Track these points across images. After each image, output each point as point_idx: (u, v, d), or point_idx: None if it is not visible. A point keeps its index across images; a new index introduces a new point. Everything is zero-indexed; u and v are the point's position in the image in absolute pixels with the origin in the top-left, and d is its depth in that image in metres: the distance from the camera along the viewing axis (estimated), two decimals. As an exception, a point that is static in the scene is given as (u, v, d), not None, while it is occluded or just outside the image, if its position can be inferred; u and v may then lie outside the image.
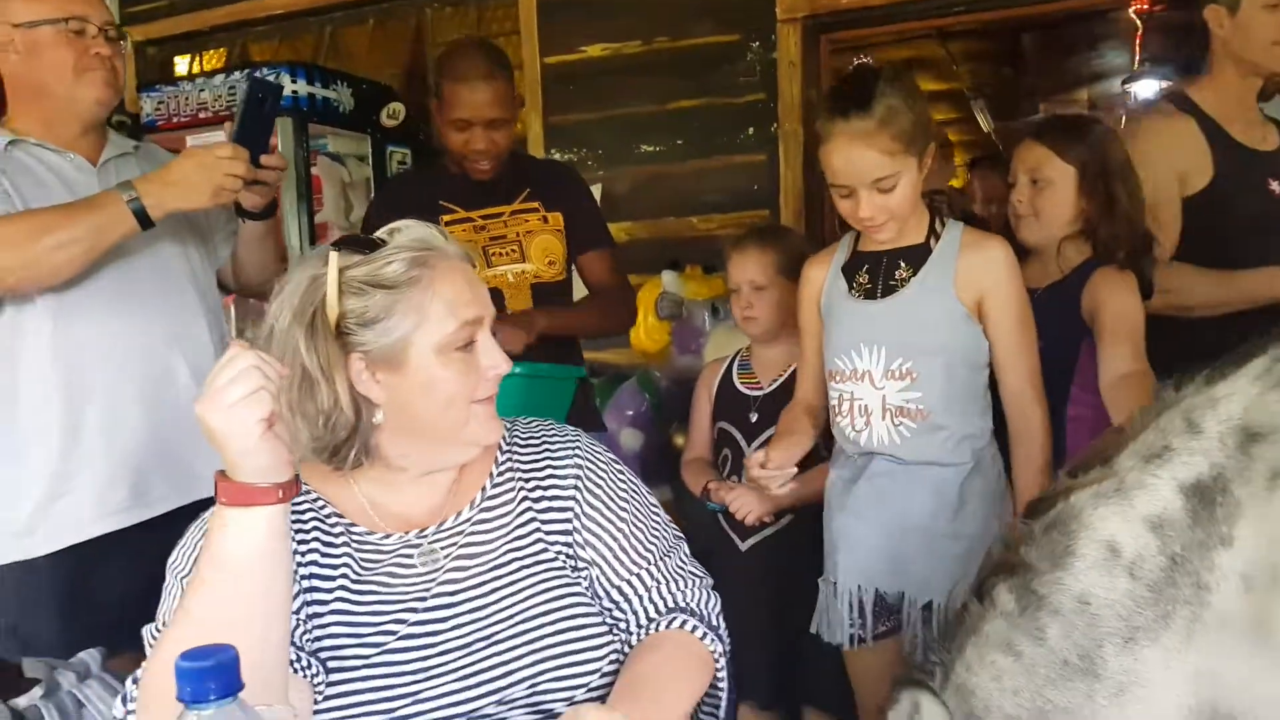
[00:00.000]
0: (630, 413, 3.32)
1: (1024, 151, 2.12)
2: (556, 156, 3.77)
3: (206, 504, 1.17)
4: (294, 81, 3.55)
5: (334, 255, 1.16)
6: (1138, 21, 4.87)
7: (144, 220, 1.75)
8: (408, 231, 1.22)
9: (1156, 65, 6.05)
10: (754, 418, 2.35)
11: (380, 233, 1.23)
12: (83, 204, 1.76)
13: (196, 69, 4.47)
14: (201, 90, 3.72)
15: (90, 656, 1.50)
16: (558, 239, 2.49)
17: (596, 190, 3.36)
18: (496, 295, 2.40)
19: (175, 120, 3.75)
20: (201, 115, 3.71)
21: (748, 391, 2.37)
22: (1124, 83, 6.37)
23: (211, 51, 4.54)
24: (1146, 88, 6.32)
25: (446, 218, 2.44)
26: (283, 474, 1.06)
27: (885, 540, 1.86)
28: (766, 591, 2.21)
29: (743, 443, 2.38)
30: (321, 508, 1.26)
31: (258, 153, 1.82)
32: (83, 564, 1.83)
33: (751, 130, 3.57)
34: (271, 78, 3.50)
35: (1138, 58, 5.71)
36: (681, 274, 3.37)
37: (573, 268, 2.55)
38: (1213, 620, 1.23)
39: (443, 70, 2.40)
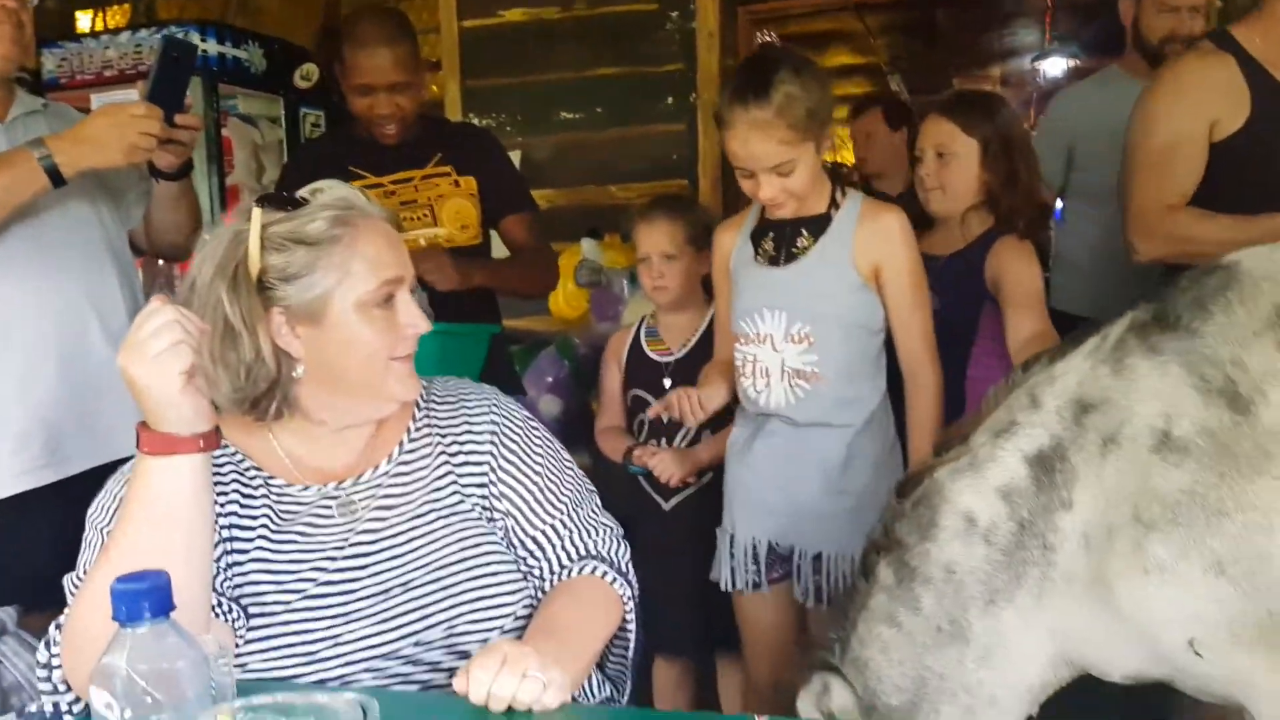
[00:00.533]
0: (549, 379, 3.34)
1: (930, 126, 2.19)
2: (474, 121, 3.75)
3: (123, 464, 1.19)
4: (203, 40, 3.46)
5: (257, 211, 1.19)
6: (1047, 0, 5.01)
7: (55, 178, 1.72)
8: (330, 191, 1.25)
9: (1064, 44, 6.25)
10: (668, 383, 2.39)
11: (302, 192, 1.25)
12: None
13: (99, 25, 4.31)
14: (107, 48, 3.59)
15: (5, 614, 1.49)
16: (471, 203, 2.49)
17: (516, 157, 3.36)
18: None
19: (79, 78, 3.61)
20: (107, 74, 3.58)
21: (659, 358, 2.41)
22: (1034, 60, 6.57)
23: (115, 7, 4.39)
24: (1055, 65, 6.53)
25: (356, 184, 2.38)
26: (203, 425, 1.09)
27: (778, 495, 1.96)
28: (690, 548, 2.27)
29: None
30: (240, 461, 1.28)
31: (172, 112, 1.80)
32: (6, 517, 1.81)
33: (670, 100, 3.60)
34: (181, 35, 3.42)
35: (1047, 36, 5.89)
36: (600, 242, 3.40)
37: (490, 233, 2.56)
38: (1060, 579, 1.34)
39: (344, 36, 2.40)
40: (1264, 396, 1.23)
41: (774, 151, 1.80)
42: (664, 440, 2.39)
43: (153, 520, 1.06)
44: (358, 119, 2.44)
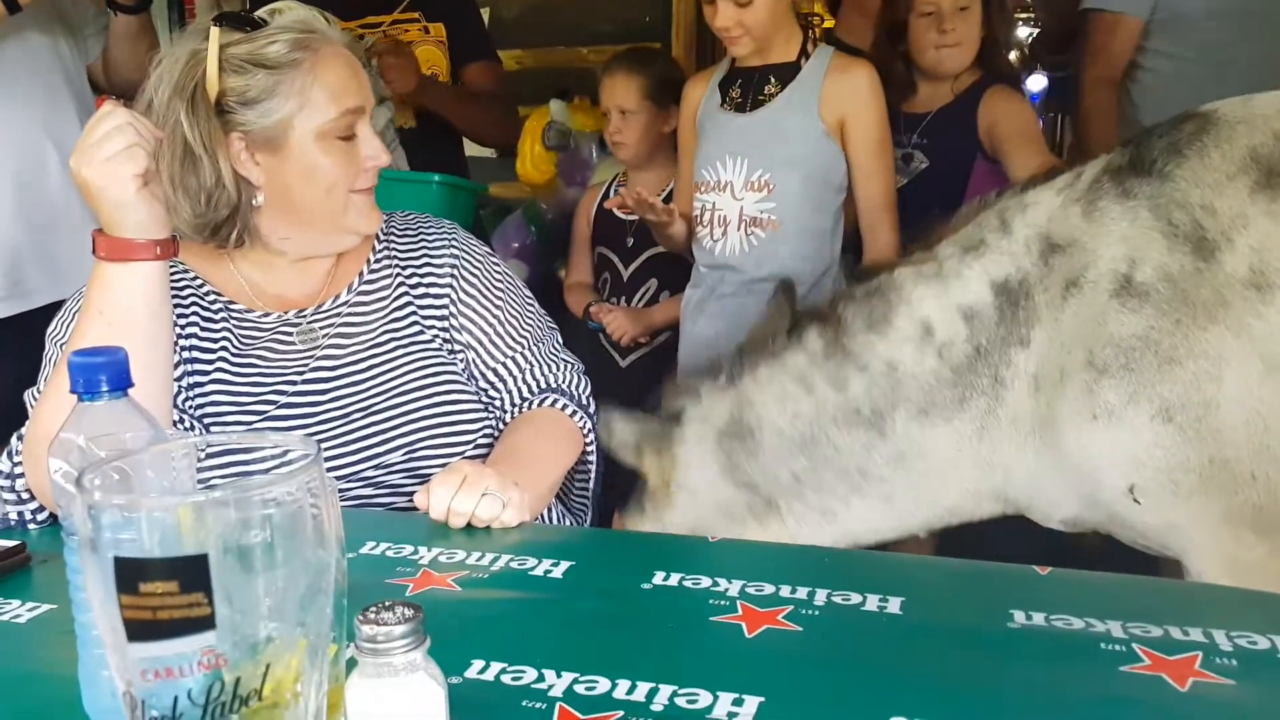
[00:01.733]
0: (516, 245, 3.32)
1: None
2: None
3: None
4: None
5: (215, 30, 1.16)
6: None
7: (10, 4, 1.67)
8: (290, 13, 1.22)
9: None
10: (630, 242, 2.43)
11: (261, 12, 1.22)
12: None
13: None
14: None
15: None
16: (440, 50, 2.46)
17: (485, 15, 3.27)
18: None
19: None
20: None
21: (624, 217, 2.41)
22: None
23: None
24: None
25: None
26: (160, 231, 1.08)
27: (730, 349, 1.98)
28: (646, 405, 2.31)
29: (620, 267, 2.47)
30: (200, 286, 1.28)
31: None
32: None
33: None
34: None
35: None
36: (570, 104, 3.33)
37: (456, 81, 2.52)
38: (1005, 417, 1.37)
39: None
40: (1230, 242, 1.21)
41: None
42: (623, 299, 2.44)
43: (112, 326, 1.06)
44: None
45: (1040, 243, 1.35)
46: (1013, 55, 2.42)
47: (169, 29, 3.38)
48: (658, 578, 0.94)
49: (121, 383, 0.67)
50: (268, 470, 0.54)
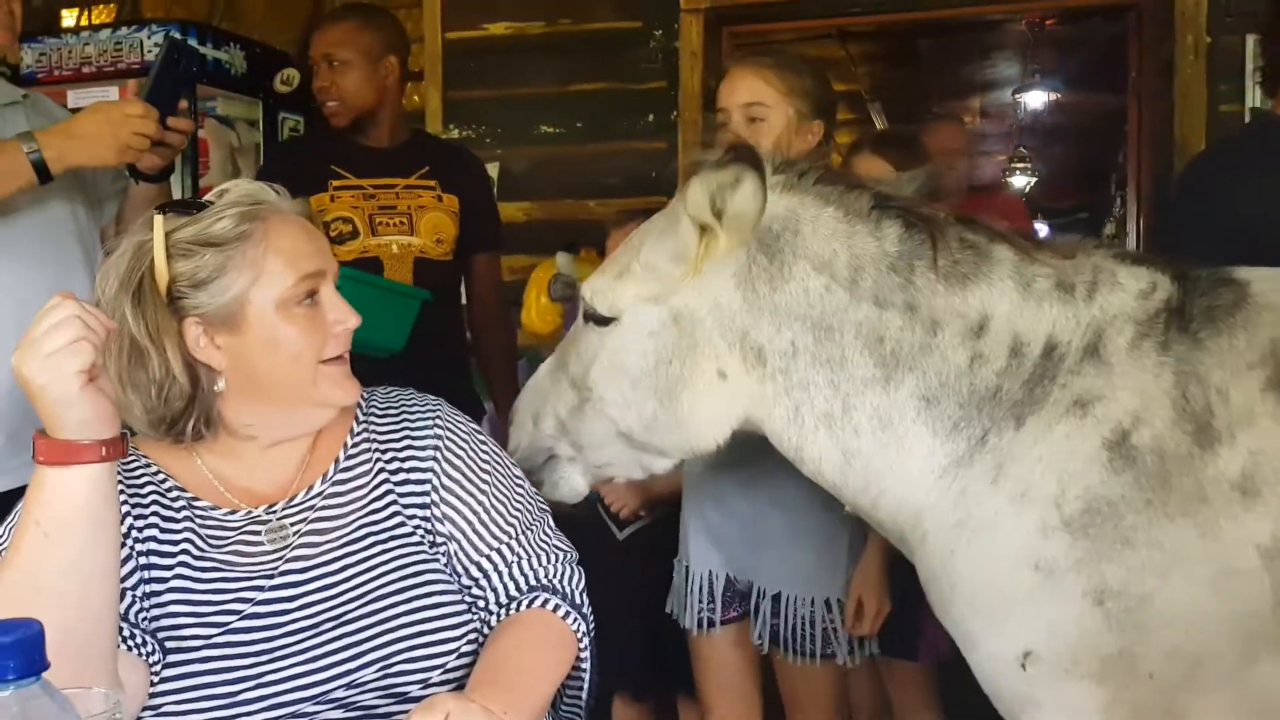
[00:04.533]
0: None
1: (861, 163, 2.23)
2: (455, 132, 3.74)
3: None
4: (184, 40, 3.43)
5: (158, 218, 1.12)
6: (1029, 34, 5.03)
7: (43, 173, 1.69)
8: (236, 189, 1.19)
9: (1045, 77, 6.31)
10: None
11: (209, 194, 1.19)
12: None
13: (84, 22, 4.27)
14: (87, 44, 3.56)
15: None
16: (451, 220, 2.50)
17: (494, 169, 3.35)
18: (376, 264, 2.40)
19: (57, 74, 3.58)
20: (85, 70, 3.55)
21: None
22: (1015, 92, 6.62)
23: (101, 6, 4.35)
24: (1035, 98, 6.61)
25: (336, 183, 2.44)
26: (106, 430, 0.99)
27: (736, 526, 1.91)
28: (642, 582, 2.22)
29: None
30: (162, 481, 1.21)
31: (166, 114, 1.78)
32: None
33: (651, 117, 3.59)
34: (162, 35, 3.39)
35: (1028, 68, 5.90)
36: (576, 256, 3.37)
37: (461, 251, 2.56)
38: (971, 479, 1.26)
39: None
40: (1233, 439, 1.14)
41: (753, 87, 1.84)
42: None
43: (49, 537, 0.97)
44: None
45: (1094, 335, 1.24)
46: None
47: (184, 195, 3.45)
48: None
49: (31, 667, 0.61)
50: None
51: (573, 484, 1.50)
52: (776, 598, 1.87)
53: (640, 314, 1.35)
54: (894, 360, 1.27)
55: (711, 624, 1.94)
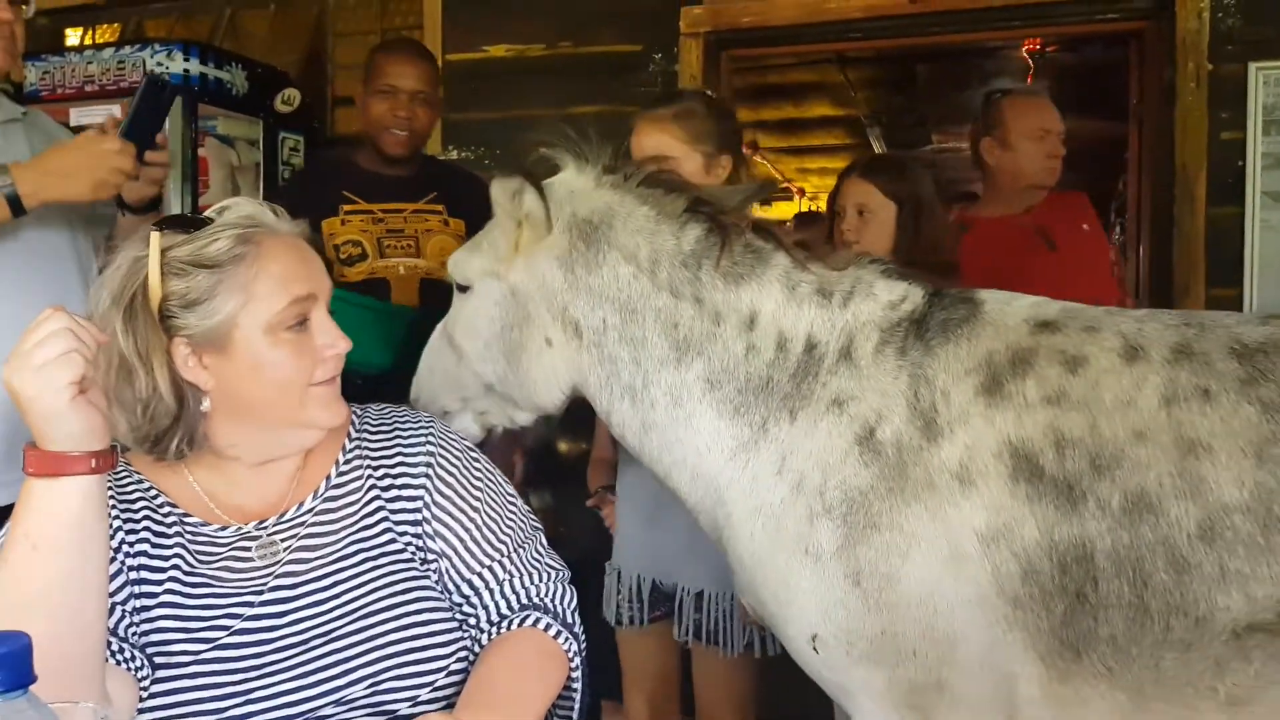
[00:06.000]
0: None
1: (851, 187, 2.36)
2: (454, 153, 3.75)
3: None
4: (186, 60, 3.45)
5: (155, 235, 1.12)
6: (1029, 60, 5.05)
7: (16, 207, 1.68)
8: (236, 208, 1.19)
9: (1045, 103, 6.30)
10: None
11: (210, 210, 1.20)
12: None
13: (88, 41, 4.30)
14: (89, 63, 3.58)
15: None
16: (457, 243, 2.54)
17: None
18: (383, 285, 2.48)
19: (60, 91, 3.60)
20: (88, 88, 3.57)
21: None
22: (1015, 118, 6.61)
23: (105, 26, 4.38)
24: (1034, 124, 6.59)
25: (346, 207, 2.54)
26: (96, 443, 0.99)
27: (659, 531, 2.04)
28: None
29: None
30: (154, 496, 1.21)
31: (145, 148, 1.79)
32: None
33: (651, 140, 3.59)
34: (164, 54, 3.42)
35: (1027, 94, 5.90)
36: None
37: None
38: (756, 465, 1.41)
39: (378, 49, 2.68)
40: (952, 433, 1.28)
41: (659, 142, 1.94)
42: None
43: (38, 550, 0.96)
44: (365, 134, 2.58)
45: (846, 339, 1.40)
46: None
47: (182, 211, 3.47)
48: None
49: (19, 680, 0.61)
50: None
51: (466, 428, 1.67)
52: (700, 595, 2.01)
53: (487, 285, 1.56)
54: (685, 345, 1.45)
55: (638, 621, 2.09)
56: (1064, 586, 1.21)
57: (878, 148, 6.80)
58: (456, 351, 1.62)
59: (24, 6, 1.86)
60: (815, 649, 1.34)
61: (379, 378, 2.08)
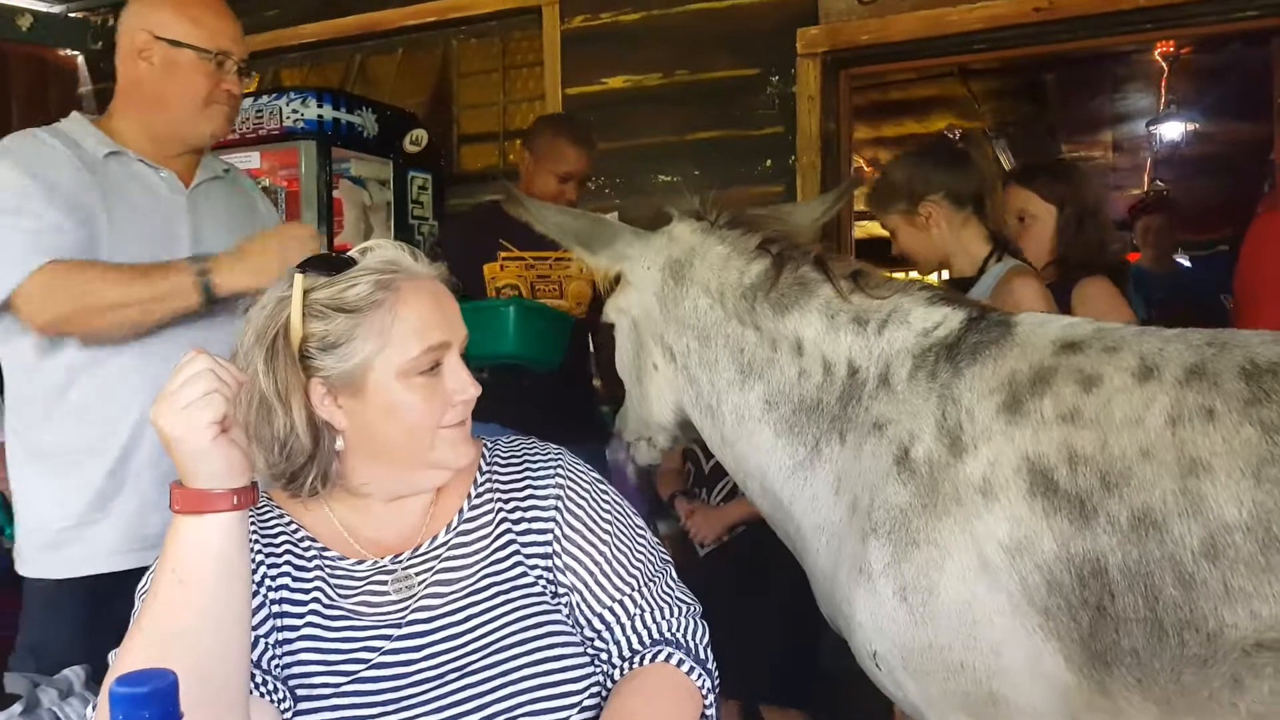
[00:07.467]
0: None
1: (1009, 195, 2.42)
2: (575, 185, 3.80)
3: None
4: (320, 106, 3.60)
5: (299, 278, 1.15)
6: (1163, 64, 4.84)
7: (209, 295, 1.70)
8: (379, 252, 1.21)
9: (1183, 108, 6.02)
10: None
11: (353, 251, 1.22)
12: (156, 270, 1.71)
13: (230, 92, 4.51)
14: (230, 112, 3.76)
15: (74, 674, 1.49)
16: (589, 286, 2.93)
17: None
18: None
19: (202, 141, 3.79)
20: (229, 136, 3.75)
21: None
22: (1149, 124, 6.34)
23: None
24: (1172, 129, 6.30)
25: (504, 254, 2.97)
26: (238, 480, 1.02)
27: None
28: (715, 598, 2.32)
29: (702, 459, 2.80)
30: (294, 530, 1.24)
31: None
32: (107, 590, 1.75)
33: (769, 162, 3.58)
34: (299, 101, 3.57)
35: (1163, 99, 5.65)
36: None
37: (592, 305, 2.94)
38: (816, 485, 1.53)
39: (553, 128, 3.06)
40: (975, 449, 1.33)
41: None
42: (704, 491, 2.72)
43: (185, 584, 1.00)
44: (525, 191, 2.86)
45: (884, 366, 1.47)
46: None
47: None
48: None
49: (167, 716, 0.63)
50: None
51: (644, 456, 1.86)
52: None
53: (619, 320, 1.79)
54: (749, 368, 1.58)
55: None
56: (1085, 599, 1.24)
57: (1004, 160, 6.61)
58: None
59: (246, 79, 1.91)
60: (877, 665, 1.39)
61: (538, 388, 2.54)
